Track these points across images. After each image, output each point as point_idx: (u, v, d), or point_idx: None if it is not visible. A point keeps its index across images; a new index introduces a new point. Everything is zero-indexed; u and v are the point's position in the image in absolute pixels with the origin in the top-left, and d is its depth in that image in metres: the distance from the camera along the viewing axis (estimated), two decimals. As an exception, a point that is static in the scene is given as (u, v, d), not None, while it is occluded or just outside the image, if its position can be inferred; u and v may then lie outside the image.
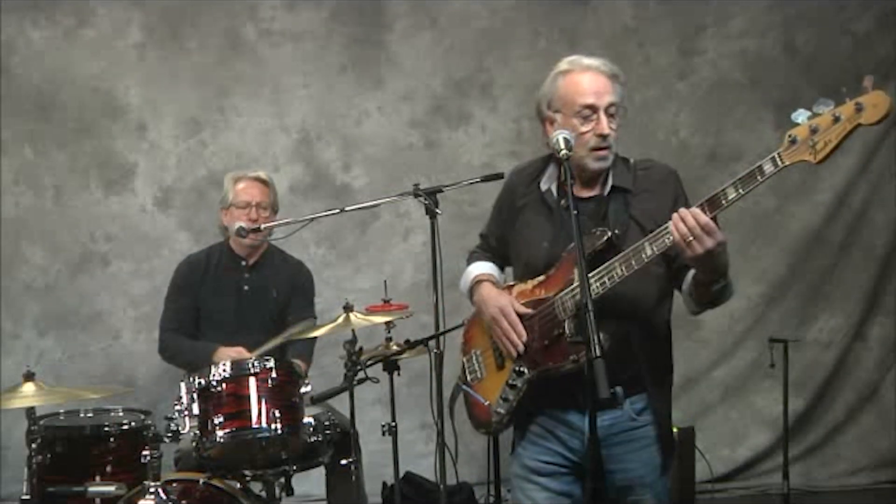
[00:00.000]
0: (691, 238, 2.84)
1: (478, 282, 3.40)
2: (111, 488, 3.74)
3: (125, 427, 4.09)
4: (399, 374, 4.29)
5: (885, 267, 6.26)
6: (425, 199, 3.91)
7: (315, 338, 4.73)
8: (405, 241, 6.15)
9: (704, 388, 6.19)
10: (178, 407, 3.95)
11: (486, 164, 6.04)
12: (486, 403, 3.28)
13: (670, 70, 6.11)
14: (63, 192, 5.99)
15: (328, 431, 4.06)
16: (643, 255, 2.96)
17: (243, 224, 4.65)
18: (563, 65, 3.20)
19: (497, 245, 3.48)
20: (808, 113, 2.76)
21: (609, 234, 3.06)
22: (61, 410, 4.20)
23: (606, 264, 3.01)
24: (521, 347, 3.17)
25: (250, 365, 3.98)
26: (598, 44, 5.99)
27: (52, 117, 5.95)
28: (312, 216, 4.31)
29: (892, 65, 6.14)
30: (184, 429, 3.91)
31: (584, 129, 3.13)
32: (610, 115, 3.13)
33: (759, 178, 2.80)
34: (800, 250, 6.24)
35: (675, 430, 5.14)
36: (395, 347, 4.34)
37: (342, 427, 4.26)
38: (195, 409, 3.94)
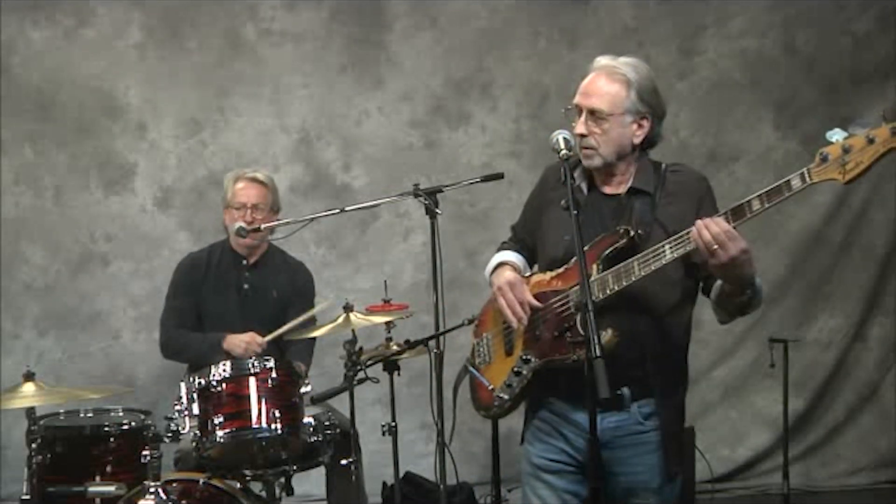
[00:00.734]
0: (715, 246, 2.85)
1: (499, 265, 3.43)
2: (111, 488, 3.74)
3: (125, 427, 4.09)
4: (399, 374, 4.30)
5: (885, 267, 6.26)
6: (425, 199, 3.91)
7: (315, 339, 4.74)
8: (405, 241, 6.15)
9: (704, 388, 6.19)
10: (178, 407, 3.95)
11: (486, 164, 6.04)
12: (490, 388, 3.29)
13: (670, 70, 6.11)
14: (63, 192, 5.99)
15: (328, 431, 4.06)
16: (662, 259, 2.97)
17: (243, 224, 4.65)
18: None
19: (526, 237, 3.49)
20: (844, 133, 2.76)
21: (632, 232, 3.07)
22: (61, 410, 4.20)
23: (625, 263, 3.02)
24: (524, 320, 3.17)
25: (250, 365, 3.98)
26: (597, 44, 6.00)
27: (52, 117, 5.95)
28: (312, 216, 4.31)
29: (892, 65, 6.14)
30: (184, 429, 3.91)
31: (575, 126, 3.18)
32: (596, 118, 3.13)
33: (785, 192, 2.83)
34: (800, 250, 6.24)
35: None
36: (395, 347, 4.34)
37: (342, 427, 4.26)
38: (195, 409, 3.93)
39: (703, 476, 5.65)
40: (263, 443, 3.94)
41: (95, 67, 5.98)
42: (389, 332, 4.41)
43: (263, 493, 4.13)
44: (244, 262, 4.90)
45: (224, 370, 3.96)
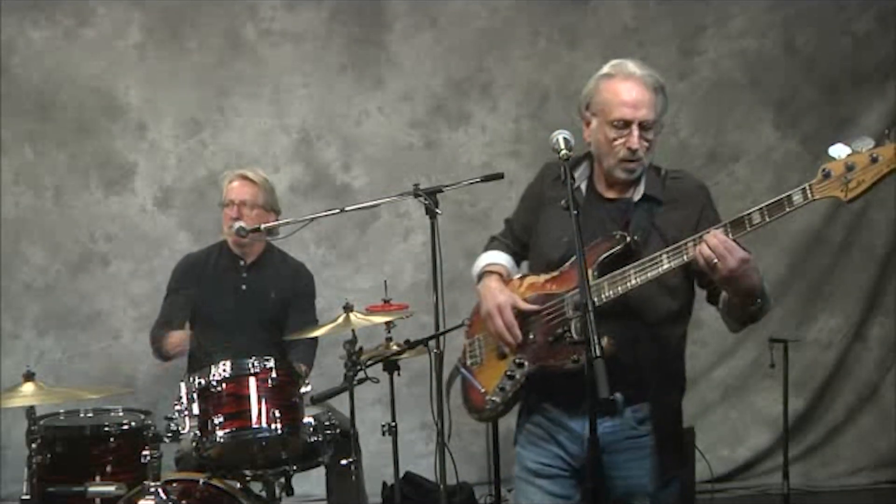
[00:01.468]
0: (714, 259, 2.85)
1: (486, 272, 3.39)
2: (111, 488, 3.74)
3: (125, 427, 4.09)
4: (399, 374, 4.30)
5: (885, 267, 6.26)
6: (425, 199, 3.90)
7: (316, 340, 4.74)
8: (405, 241, 6.15)
9: (704, 388, 6.19)
10: (178, 407, 3.95)
11: (486, 163, 6.04)
12: (483, 391, 3.27)
13: (670, 70, 6.10)
14: (63, 192, 5.99)
15: (328, 431, 4.06)
16: (659, 268, 2.97)
17: (243, 224, 4.64)
18: (608, 68, 3.21)
19: (520, 233, 3.46)
20: (848, 150, 2.75)
21: (628, 238, 3.06)
22: (61, 410, 4.20)
23: (622, 270, 3.02)
24: (513, 347, 3.17)
25: (250, 365, 3.98)
26: (597, 44, 6.00)
27: (52, 117, 5.95)
28: (312, 216, 4.31)
29: (892, 65, 6.13)
30: (184, 429, 3.91)
31: (616, 138, 3.12)
32: (645, 129, 3.12)
33: (787, 207, 2.81)
34: (800, 250, 6.24)
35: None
36: (395, 347, 4.33)
37: (342, 427, 4.26)
38: (195, 409, 3.93)
39: (703, 476, 5.65)
40: (263, 443, 3.94)
41: (95, 67, 5.98)
42: (389, 332, 4.41)
43: (263, 493, 4.13)
44: (242, 262, 4.90)
45: (224, 370, 3.95)
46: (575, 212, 2.89)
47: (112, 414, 4.25)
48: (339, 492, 4.73)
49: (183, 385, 3.99)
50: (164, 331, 4.80)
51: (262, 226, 4.58)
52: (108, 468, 4.01)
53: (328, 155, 6.13)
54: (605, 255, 3.07)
